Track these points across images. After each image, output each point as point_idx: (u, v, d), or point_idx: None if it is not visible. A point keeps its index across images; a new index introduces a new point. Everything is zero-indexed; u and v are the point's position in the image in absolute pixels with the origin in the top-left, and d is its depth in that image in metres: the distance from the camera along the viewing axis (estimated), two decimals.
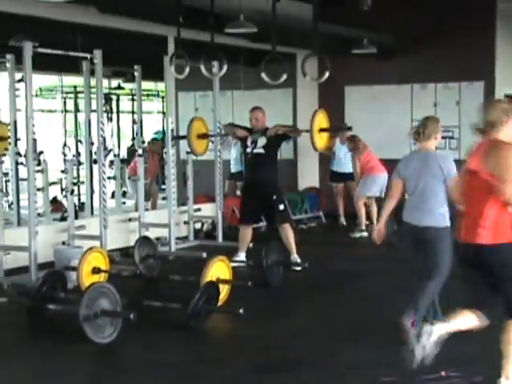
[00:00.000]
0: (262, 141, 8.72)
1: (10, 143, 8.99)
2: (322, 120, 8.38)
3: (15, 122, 8.81)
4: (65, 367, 5.41)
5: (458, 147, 12.81)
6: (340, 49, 11.62)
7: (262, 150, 8.71)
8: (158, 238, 9.51)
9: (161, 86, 16.81)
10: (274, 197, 8.73)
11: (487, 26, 12.34)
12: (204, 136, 9.54)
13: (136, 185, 10.30)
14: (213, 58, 9.22)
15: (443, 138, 12.34)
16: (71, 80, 15.99)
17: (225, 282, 7.05)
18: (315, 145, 8.19)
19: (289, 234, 8.79)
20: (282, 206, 8.78)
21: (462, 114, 12.66)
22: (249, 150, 8.82)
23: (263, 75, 7.65)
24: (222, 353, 5.82)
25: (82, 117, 11.52)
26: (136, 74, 10.14)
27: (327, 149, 12.49)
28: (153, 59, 10.36)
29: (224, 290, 6.96)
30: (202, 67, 8.40)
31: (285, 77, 7.72)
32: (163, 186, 11.91)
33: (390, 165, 11.64)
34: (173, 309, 6.36)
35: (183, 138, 9.52)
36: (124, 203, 11.89)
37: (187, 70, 8.38)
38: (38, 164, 9.18)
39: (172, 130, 9.65)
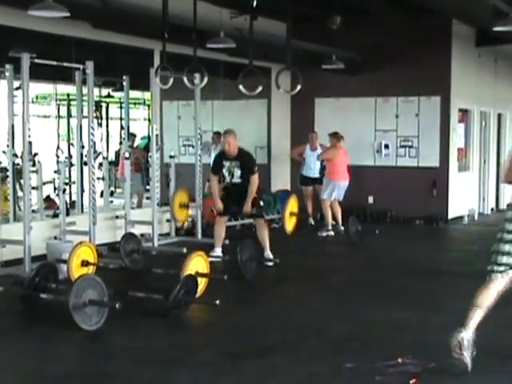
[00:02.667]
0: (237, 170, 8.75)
1: (7, 145, 8.91)
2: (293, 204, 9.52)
3: (13, 126, 8.74)
4: (55, 352, 5.38)
5: (417, 155, 12.93)
6: (311, 64, 11.65)
7: (238, 180, 8.78)
8: (142, 235, 9.47)
9: (147, 95, 16.80)
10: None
11: (444, 46, 12.48)
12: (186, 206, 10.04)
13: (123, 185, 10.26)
14: (195, 71, 9.21)
15: (402, 146, 12.74)
16: (64, 88, 15.91)
17: (203, 275, 7.03)
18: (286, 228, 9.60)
19: (264, 231, 8.81)
20: (259, 203, 8.81)
21: (421, 125, 12.78)
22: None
23: (241, 87, 7.66)
24: (200, 340, 5.82)
25: (74, 122, 11.46)
26: (124, 83, 10.12)
27: (298, 155, 12.63)
28: (140, 70, 10.34)
29: (202, 282, 6.94)
30: (185, 79, 8.39)
31: (260, 89, 7.74)
32: (147, 187, 11.86)
33: (354, 170, 11.88)
34: (155, 299, 6.33)
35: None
36: (111, 202, 11.82)
37: (171, 81, 8.36)
38: (33, 165, 9.12)
39: (157, 136, 9.62)
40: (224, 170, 8.81)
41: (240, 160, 8.73)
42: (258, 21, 7.88)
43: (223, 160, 8.82)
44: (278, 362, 5.12)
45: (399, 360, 4.94)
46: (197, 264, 7.06)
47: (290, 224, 9.71)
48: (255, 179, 8.66)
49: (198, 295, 6.65)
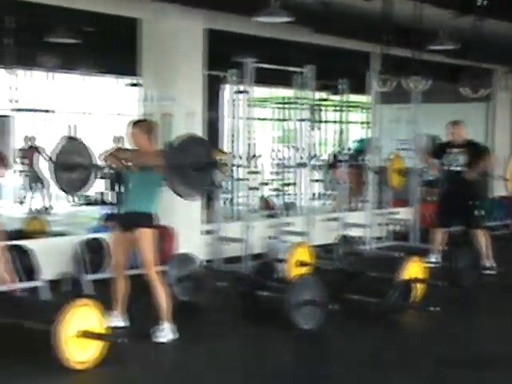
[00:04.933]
0: (459, 159, 8.44)
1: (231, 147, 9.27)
2: None
3: (236, 129, 9.11)
4: (272, 350, 5.51)
5: None
6: None
7: (459, 168, 8.45)
8: (356, 237, 9.48)
9: (362, 98, 16.81)
10: (474, 201, 8.47)
11: None
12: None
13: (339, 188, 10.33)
14: (415, 74, 9.05)
15: None
16: (283, 92, 16.33)
17: (418, 280, 6.91)
18: None
19: (483, 238, 8.50)
20: (479, 212, 8.50)
21: None
22: (445, 168, 8.57)
23: (462, 89, 7.45)
24: (416, 345, 5.72)
25: (290, 125, 11.71)
26: (342, 87, 10.17)
27: None
28: (358, 74, 10.35)
29: (417, 288, 6.83)
30: (405, 82, 8.29)
31: (487, 91, 7.47)
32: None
33: None
34: (371, 302, 6.33)
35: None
36: (327, 204, 11.96)
37: (393, 84, 8.29)
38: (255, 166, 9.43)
39: (374, 139, 9.59)
40: (447, 158, 8.59)
41: (466, 148, 8.46)
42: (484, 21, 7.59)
43: (447, 148, 8.59)
44: (495, 376, 4.92)
45: None
46: (412, 269, 6.96)
47: None
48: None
49: (413, 300, 6.56)
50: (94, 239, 7.52)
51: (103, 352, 4.88)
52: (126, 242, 5.69)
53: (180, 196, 5.51)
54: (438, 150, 8.80)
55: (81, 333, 4.81)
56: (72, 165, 5.69)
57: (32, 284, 6.65)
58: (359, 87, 10.22)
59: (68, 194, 5.86)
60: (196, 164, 5.41)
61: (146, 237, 5.53)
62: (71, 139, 6.09)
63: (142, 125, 5.74)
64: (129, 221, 5.61)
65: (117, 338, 4.87)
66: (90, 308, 4.94)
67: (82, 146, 5.86)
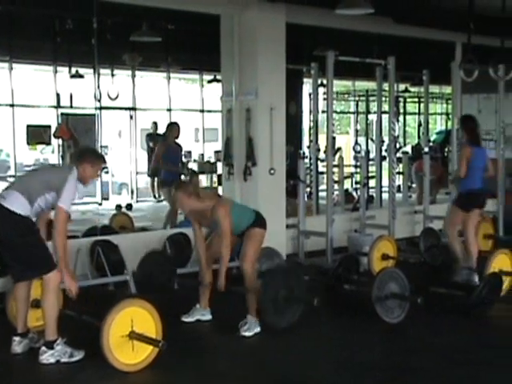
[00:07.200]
0: None
1: (310, 140, 9.26)
2: None
3: (317, 122, 9.07)
4: (360, 342, 5.48)
5: None
6: None
7: None
8: (440, 230, 9.31)
9: (444, 88, 16.51)
10: None
11: None
12: None
13: (422, 180, 10.15)
14: (501, 62, 8.82)
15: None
16: (362, 84, 16.20)
17: (507, 273, 6.73)
18: None
19: None
20: None
21: None
22: None
23: None
24: (506, 340, 5.57)
25: (372, 117, 11.60)
26: (424, 77, 10.00)
27: None
28: (439, 64, 10.16)
29: (507, 281, 6.66)
30: (491, 71, 8.08)
31: None
32: None
33: None
34: (458, 296, 6.20)
35: None
36: (410, 197, 11.78)
37: (476, 73, 8.09)
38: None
39: (457, 130, 9.39)
40: None
41: None
42: None
43: None
44: None
45: None
46: (501, 262, 6.79)
47: None
48: None
49: (502, 294, 6.39)
50: (180, 234, 7.60)
51: (153, 355, 4.79)
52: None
53: (265, 321, 5.56)
54: None
55: (127, 334, 4.71)
56: None
57: (119, 278, 6.78)
58: (443, 78, 10.03)
59: None
60: (289, 298, 5.56)
61: (254, 234, 5.63)
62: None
63: (185, 189, 5.63)
64: None
65: (159, 342, 4.72)
66: (141, 309, 4.80)
67: None
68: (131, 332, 4.73)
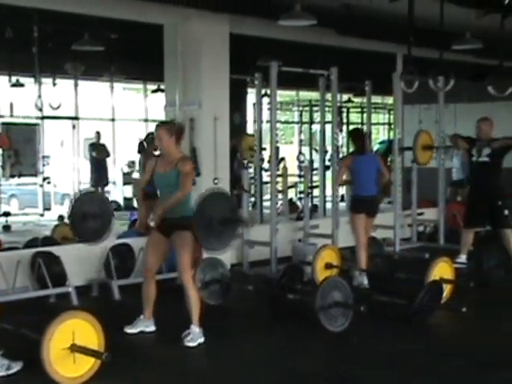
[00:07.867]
0: (486, 150, 8.41)
1: (255, 151, 9.28)
2: None
3: (260, 132, 9.10)
4: (302, 351, 5.49)
5: None
6: None
7: (486, 159, 8.40)
8: (384, 239, 9.42)
9: (387, 99, 16.76)
10: (500, 202, 8.41)
11: None
12: (429, 148, 9.39)
13: None
14: (440, 74, 9.00)
15: None
16: (306, 95, 16.33)
17: (447, 281, 6.85)
18: None
19: (511, 238, 8.42)
20: (506, 212, 8.43)
21: None
22: (474, 158, 8.54)
23: (490, 88, 7.38)
24: (447, 347, 5.64)
25: (316, 127, 11.71)
26: (366, 88, 10.14)
27: None
28: (382, 75, 10.31)
29: (447, 288, 6.77)
30: (431, 82, 8.22)
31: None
32: None
33: None
34: (399, 304, 6.28)
35: (409, 148, 9.41)
36: None
37: (416, 84, 8.22)
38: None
39: (399, 140, 9.53)
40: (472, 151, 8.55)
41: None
42: (508, 19, 7.52)
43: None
44: None
45: None
46: (441, 270, 6.90)
47: None
48: None
49: (442, 301, 6.50)
50: (123, 244, 7.54)
51: (96, 367, 4.71)
52: (161, 246, 5.67)
53: (204, 248, 5.57)
54: (469, 138, 8.75)
55: (68, 347, 4.61)
56: None
57: (61, 290, 6.69)
58: (385, 88, 10.16)
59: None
60: (223, 219, 5.48)
61: (184, 240, 5.51)
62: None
63: (169, 127, 5.68)
64: (167, 225, 5.57)
65: (102, 354, 4.63)
66: (82, 321, 4.73)
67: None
68: (72, 345, 4.65)
